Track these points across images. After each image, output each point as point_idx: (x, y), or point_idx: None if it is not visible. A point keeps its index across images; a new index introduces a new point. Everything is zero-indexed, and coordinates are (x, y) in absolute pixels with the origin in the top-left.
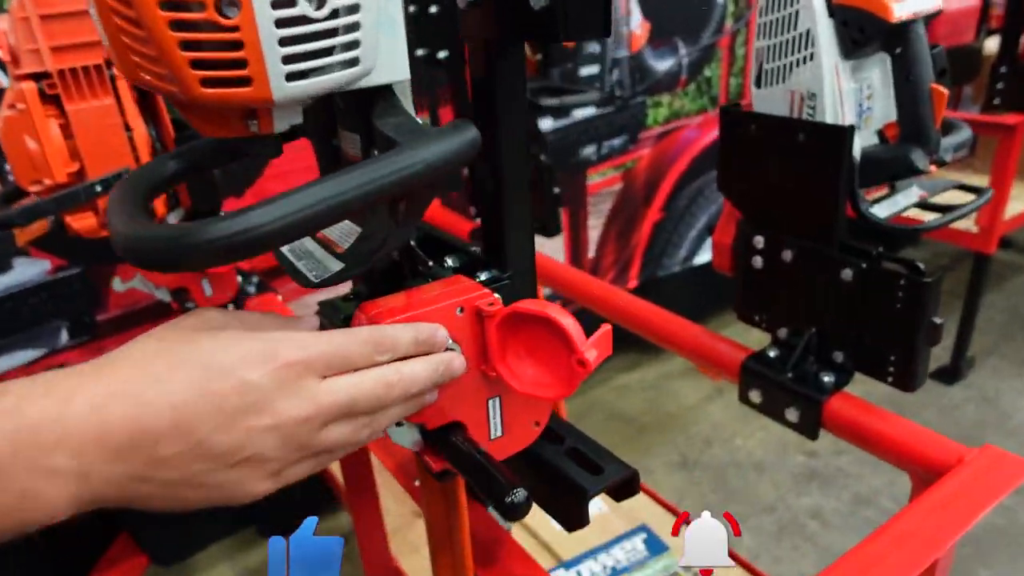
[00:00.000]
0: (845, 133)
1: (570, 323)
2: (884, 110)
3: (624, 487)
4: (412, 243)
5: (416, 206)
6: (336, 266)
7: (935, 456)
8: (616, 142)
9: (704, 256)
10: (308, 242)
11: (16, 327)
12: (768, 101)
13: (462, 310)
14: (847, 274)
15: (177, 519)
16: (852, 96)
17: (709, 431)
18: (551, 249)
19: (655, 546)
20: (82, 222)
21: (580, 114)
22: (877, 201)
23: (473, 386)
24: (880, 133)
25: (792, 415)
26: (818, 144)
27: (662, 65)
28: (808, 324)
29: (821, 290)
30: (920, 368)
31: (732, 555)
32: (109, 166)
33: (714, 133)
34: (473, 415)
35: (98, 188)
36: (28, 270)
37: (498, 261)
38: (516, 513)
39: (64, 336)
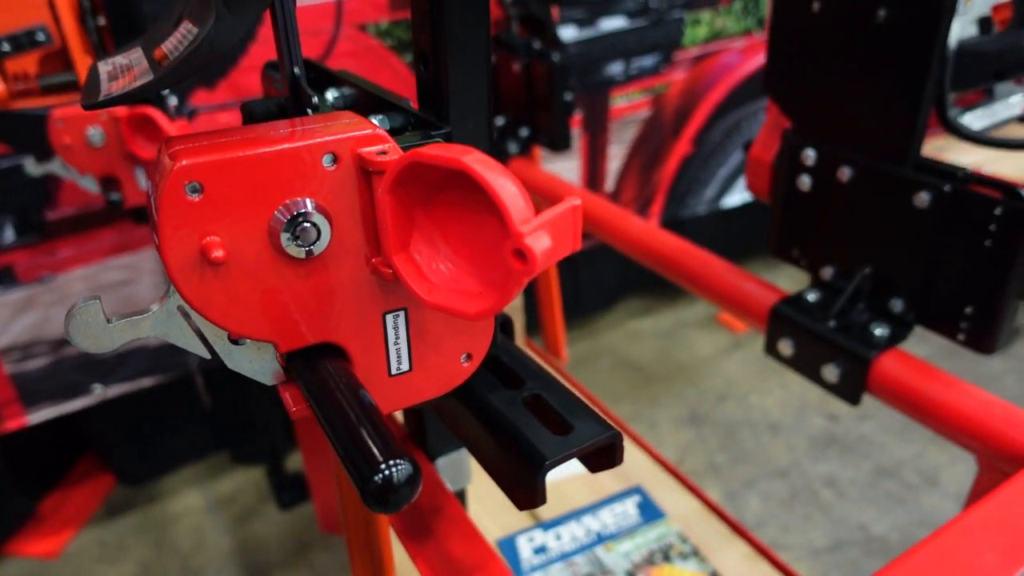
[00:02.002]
0: (943, 8)
1: (505, 185)
2: None
3: (602, 454)
4: (297, 72)
5: None
6: (145, 80)
7: (1015, 437)
8: (647, 61)
9: (734, 199)
10: (136, 60)
11: None
12: None
13: (334, 160)
14: (922, 199)
15: (145, 437)
16: None
17: (723, 386)
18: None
19: (649, 511)
20: None
21: (607, 25)
22: (969, 109)
23: (358, 290)
24: (984, 21)
25: (830, 373)
26: (904, 25)
27: None
28: (862, 263)
29: (885, 219)
30: (1004, 325)
31: (734, 525)
32: (19, 20)
33: (758, 60)
34: (360, 336)
35: (5, 47)
36: None
37: (433, 109)
38: (385, 503)
39: (9, 234)
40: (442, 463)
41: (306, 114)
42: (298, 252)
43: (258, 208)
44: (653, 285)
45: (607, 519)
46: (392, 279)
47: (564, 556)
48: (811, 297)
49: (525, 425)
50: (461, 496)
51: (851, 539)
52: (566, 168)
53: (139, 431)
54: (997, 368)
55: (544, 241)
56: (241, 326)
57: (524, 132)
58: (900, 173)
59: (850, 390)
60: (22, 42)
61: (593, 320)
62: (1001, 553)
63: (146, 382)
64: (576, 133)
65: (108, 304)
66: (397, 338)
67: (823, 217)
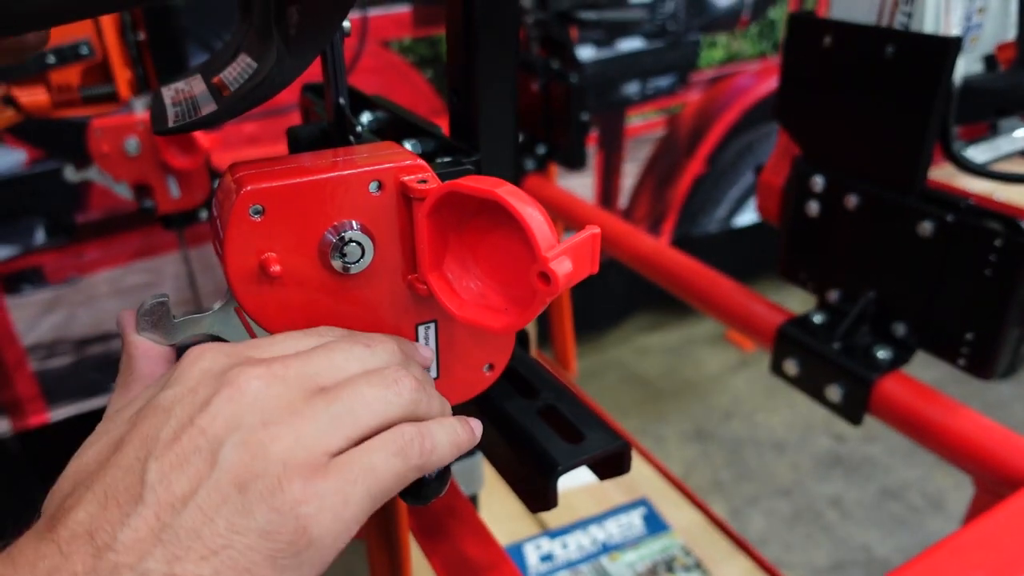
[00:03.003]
0: (949, 47)
1: (533, 215)
2: (997, 28)
3: (610, 462)
4: (342, 101)
5: (313, 13)
6: (209, 109)
7: (1011, 460)
8: (663, 82)
9: (744, 218)
10: (199, 89)
11: None
12: (851, 5)
13: (380, 186)
14: (926, 228)
15: None
16: (960, 4)
17: (729, 403)
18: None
19: (654, 524)
20: (32, 97)
21: (625, 46)
22: (973, 143)
23: (395, 303)
24: (989, 59)
25: (834, 393)
26: (911, 60)
27: (723, 0)
28: (867, 287)
29: (889, 246)
30: (1003, 352)
31: (737, 540)
32: (64, 34)
33: (772, 83)
34: None
35: (51, 59)
36: (1, 160)
37: (464, 137)
38: (418, 495)
39: (40, 235)
40: (457, 468)
41: (349, 141)
42: (344, 268)
43: (311, 228)
44: (662, 301)
45: (612, 529)
46: (426, 294)
47: (570, 564)
48: (817, 319)
49: (539, 433)
50: (473, 501)
51: (854, 560)
52: (581, 184)
53: None
54: (1005, 394)
55: (566, 265)
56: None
57: (541, 149)
58: (905, 202)
59: (852, 410)
60: (67, 55)
61: (602, 335)
62: (992, 571)
63: None
64: (592, 150)
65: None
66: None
67: (830, 242)
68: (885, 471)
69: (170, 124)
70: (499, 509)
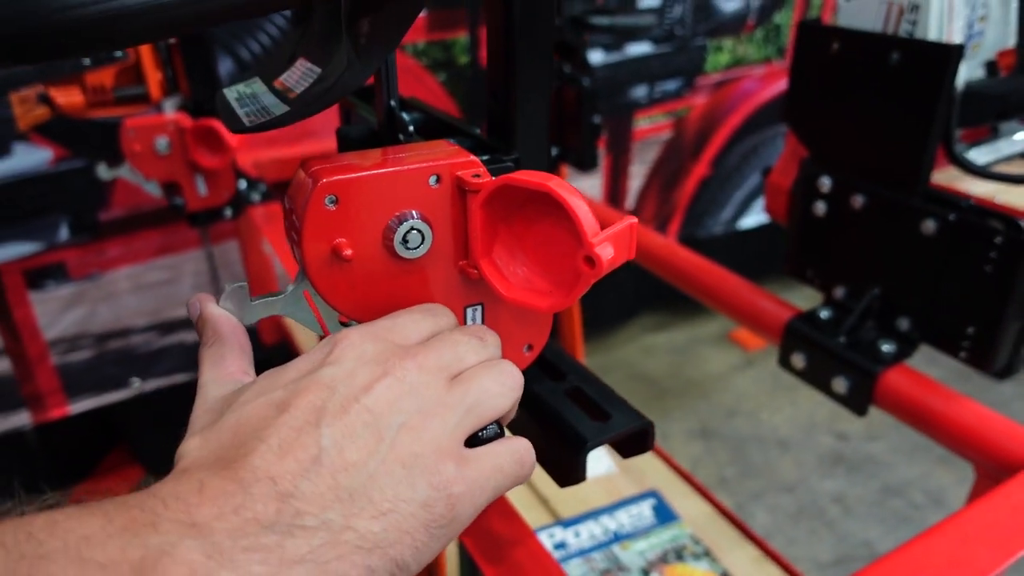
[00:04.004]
0: (951, 53)
1: (580, 205)
2: (998, 35)
3: (634, 441)
4: (393, 104)
5: (383, 25)
6: (280, 111)
7: (1011, 447)
8: (670, 85)
9: (750, 220)
10: (261, 91)
11: (13, 217)
12: (858, 13)
13: (438, 180)
14: (929, 226)
15: (176, 431)
16: (963, 12)
17: (733, 402)
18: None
19: (664, 514)
20: (67, 97)
21: (633, 51)
22: (975, 145)
23: (448, 286)
24: (990, 65)
25: (840, 385)
26: (915, 67)
27: (729, 5)
28: (871, 283)
29: (894, 244)
30: (1003, 345)
31: (745, 530)
32: None
33: (777, 87)
34: None
35: (86, 61)
36: (28, 158)
37: (502, 138)
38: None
39: (64, 232)
40: None
41: (399, 140)
42: (405, 253)
43: (377, 216)
44: (668, 302)
45: (623, 519)
46: (476, 278)
47: (582, 552)
48: (823, 314)
49: (568, 412)
50: None
51: (856, 555)
52: (589, 186)
53: (171, 426)
54: (1008, 393)
55: (609, 251)
56: (355, 311)
57: (553, 151)
58: (909, 202)
59: (858, 402)
60: (101, 58)
61: (609, 334)
62: (991, 549)
63: (180, 378)
64: (599, 153)
65: (152, 301)
66: None
67: (836, 240)
68: (887, 469)
69: (247, 124)
70: (513, 499)
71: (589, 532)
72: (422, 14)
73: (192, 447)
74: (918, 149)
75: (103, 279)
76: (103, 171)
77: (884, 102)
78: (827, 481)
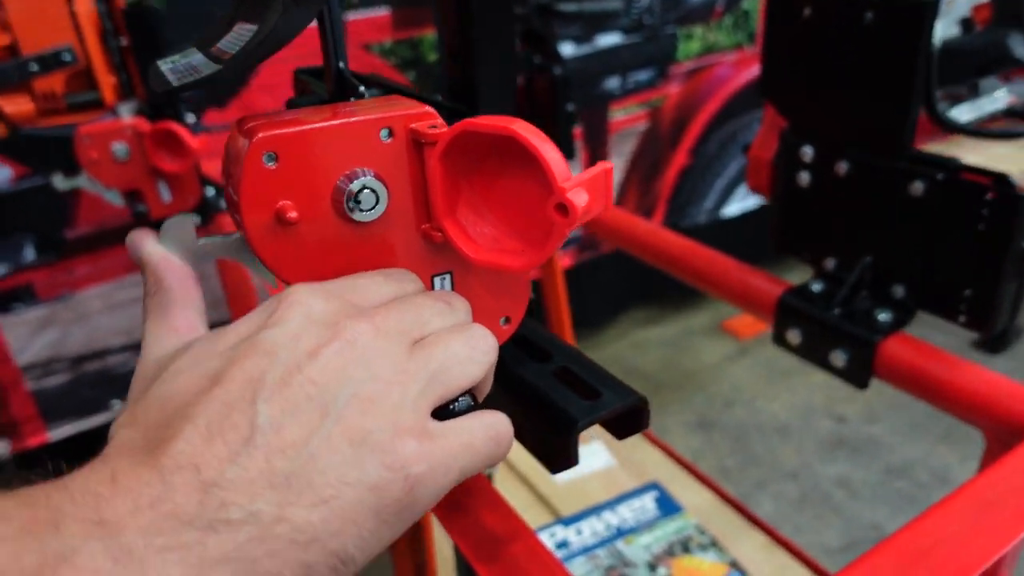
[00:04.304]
0: (925, 11)
1: (548, 149)
2: None
3: (628, 419)
4: (342, 67)
5: None
6: (212, 70)
7: (1020, 409)
8: (643, 76)
9: (732, 208)
10: (196, 57)
11: None
12: None
13: (390, 133)
14: (917, 188)
15: None
16: None
17: (730, 392)
18: None
19: (667, 506)
20: (16, 106)
21: (604, 42)
22: (955, 105)
23: (410, 253)
24: (965, 21)
25: (838, 359)
26: (890, 25)
27: None
28: (862, 252)
29: (882, 209)
30: (1002, 305)
31: (751, 517)
32: (46, 41)
33: (750, 72)
34: None
35: (34, 67)
36: None
37: (464, 99)
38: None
39: (30, 252)
40: None
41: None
42: (359, 216)
43: (324, 176)
44: (657, 295)
45: (626, 514)
46: (440, 241)
47: (586, 550)
48: (815, 287)
49: (555, 393)
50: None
51: (865, 538)
52: None
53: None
54: (1000, 368)
55: (583, 197)
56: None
57: None
58: (895, 165)
59: (858, 374)
60: (49, 62)
61: (599, 331)
62: (1010, 514)
63: None
64: (577, 147)
65: (126, 320)
66: None
67: (823, 210)
68: (889, 450)
69: (174, 83)
70: (511, 499)
71: (591, 529)
72: (386, 12)
73: (122, 424)
74: (900, 110)
75: (74, 299)
76: (59, 181)
77: (861, 64)
78: (830, 465)
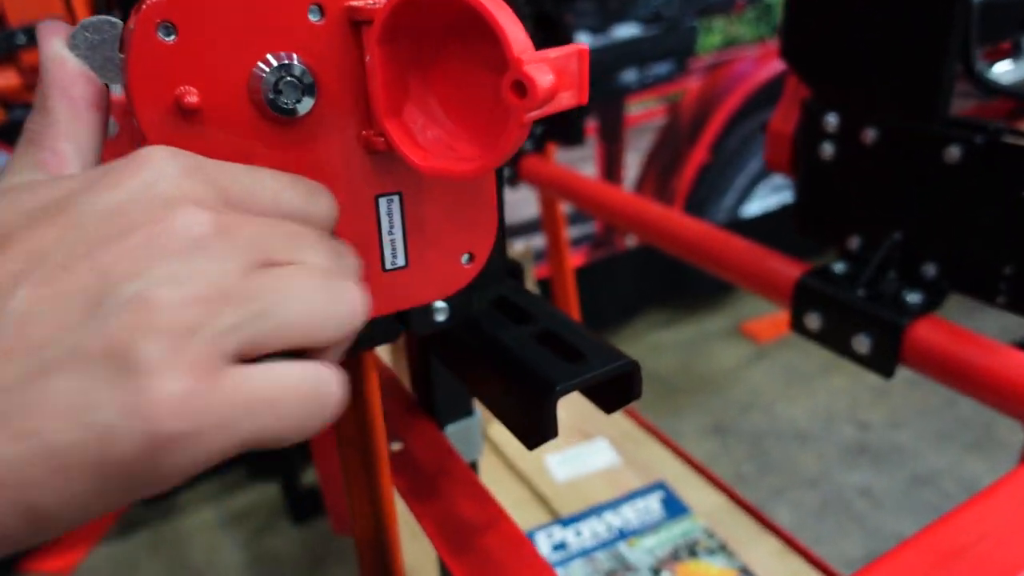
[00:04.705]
0: None
1: (505, 16)
2: None
3: (617, 388)
4: None
5: None
6: None
7: None
8: (661, 69)
9: (753, 207)
10: None
11: None
12: None
13: (321, 13)
14: (953, 153)
15: None
16: None
17: (747, 396)
18: None
19: (674, 507)
20: (3, 79)
21: (621, 33)
22: (996, 64)
23: (348, 166)
24: None
25: (861, 345)
26: None
27: None
28: (890, 229)
29: (913, 180)
30: None
31: (765, 521)
32: (34, 12)
33: (772, 67)
34: (350, 220)
35: (21, 39)
36: None
37: None
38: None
39: None
40: (452, 431)
41: None
42: (280, 110)
43: (238, 60)
44: (674, 296)
45: (629, 515)
46: (384, 148)
47: (585, 552)
48: (838, 268)
49: (535, 356)
50: (473, 468)
51: (888, 550)
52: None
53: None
54: None
55: (546, 75)
56: None
57: (538, 129)
58: (929, 130)
59: (882, 361)
60: (33, 33)
61: (613, 334)
62: None
63: None
64: (591, 141)
65: None
66: (391, 227)
67: (848, 184)
68: (914, 458)
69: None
70: (505, 497)
71: (592, 530)
72: None
73: None
74: (935, 69)
75: None
76: None
77: (892, 22)
78: (852, 473)
